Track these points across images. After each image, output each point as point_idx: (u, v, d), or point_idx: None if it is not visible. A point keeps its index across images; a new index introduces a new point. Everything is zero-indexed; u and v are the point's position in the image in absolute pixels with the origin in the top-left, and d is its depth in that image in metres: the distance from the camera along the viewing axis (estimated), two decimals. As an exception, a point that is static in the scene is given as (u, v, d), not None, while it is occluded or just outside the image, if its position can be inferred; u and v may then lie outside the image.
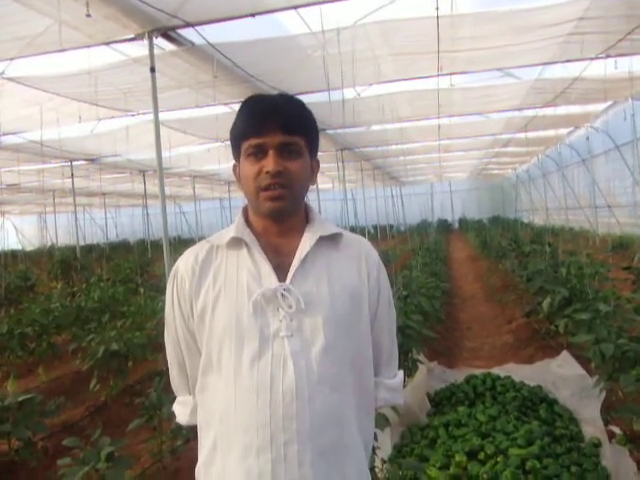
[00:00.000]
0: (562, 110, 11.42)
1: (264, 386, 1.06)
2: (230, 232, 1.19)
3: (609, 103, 11.51)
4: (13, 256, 19.66)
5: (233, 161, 1.23)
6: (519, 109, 11.17)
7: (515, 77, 9.65)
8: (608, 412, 3.51)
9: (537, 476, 2.63)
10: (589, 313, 3.59)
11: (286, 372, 1.07)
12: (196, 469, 1.20)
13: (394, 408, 2.76)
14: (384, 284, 1.26)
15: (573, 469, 2.85)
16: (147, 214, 20.22)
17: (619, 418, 3.36)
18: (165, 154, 10.03)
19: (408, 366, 3.94)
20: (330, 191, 24.82)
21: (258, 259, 1.15)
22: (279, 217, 1.17)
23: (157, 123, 5.55)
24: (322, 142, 13.24)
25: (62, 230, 25.41)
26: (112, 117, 9.30)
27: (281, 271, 1.14)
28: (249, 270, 1.14)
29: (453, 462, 2.75)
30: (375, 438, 2.54)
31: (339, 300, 1.15)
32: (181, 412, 1.27)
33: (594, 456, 3.14)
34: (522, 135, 13.84)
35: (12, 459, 3.42)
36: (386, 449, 3.18)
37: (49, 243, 27.20)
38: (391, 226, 23.85)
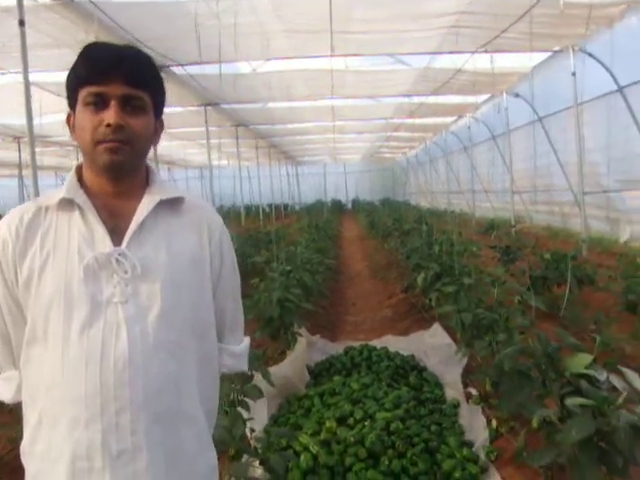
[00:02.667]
0: (447, 99, 12.11)
1: (94, 354, 1.01)
2: (60, 192, 1.10)
3: (487, 96, 12.40)
4: None
5: None
6: (408, 95, 11.66)
7: (406, 64, 10.06)
8: (467, 376, 3.85)
9: (400, 436, 2.83)
10: (455, 286, 3.90)
11: (119, 339, 1.02)
12: (20, 448, 1.12)
13: (267, 378, 2.81)
14: (227, 250, 1.25)
15: (433, 428, 3.10)
16: (23, 185, 18.56)
17: (476, 380, 3.70)
18: (41, 120, 9.22)
19: (288, 339, 4.02)
20: (225, 168, 24.36)
21: (91, 222, 1.08)
22: (116, 174, 1.11)
23: (27, 84, 5.03)
24: (217, 117, 12.97)
25: None
26: (-23, 74, 8.36)
27: (117, 235, 1.08)
28: (81, 233, 1.08)
29: (324, 428, 2.87)
30: (246, 409, 2.59)
31: (179, 266, 1.12)
32: (5, 388, 1.17)
33: (453, 415, 3.45)
34: (411, 121, 14.50)
35: None
36: (262, 420, 3.23)
37: None
38: (286, 205, 24.00)
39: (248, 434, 2.50)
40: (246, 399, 2.65)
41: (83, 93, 1.07)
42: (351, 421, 2.96)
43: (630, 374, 1.97)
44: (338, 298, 7.27)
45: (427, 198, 22.96)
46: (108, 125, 1.05)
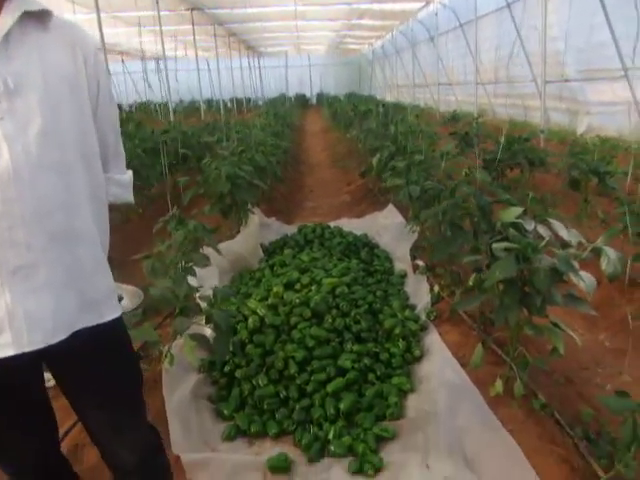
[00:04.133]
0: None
1: None
2: None
3: (456, -23, 11.74)
4: None
5: None
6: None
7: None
8: (416, 250, 3.98)
9: (345, 299, 2.94)
10: (406, 161, 3.91)
11: (0, 156, 0.99)
12: None
13: (214, 247, 2.84)
14: (103, 74, 1.22)
15: (378, 293, 3.25)
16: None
17: (423, 253, 3.84)
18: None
19: (240, 217, 4.02)
20: (182, 59, 23.04)
21: None
22: None
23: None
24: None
25: None
26: None
27: None
28: None
29: (271, 293, 2.96)
30: (193, 274, 2.62)
31: (54, 82, 1.08)
32: None
33: (400, 285, 3.61)
34: (376, 5, 13.75)
35: None
36: (214, 289, 3.31)
37: None
38: (249, 99, 23.14)
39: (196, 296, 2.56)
40: (195, 268, 2.68)
41: None
42: (298, 286, 3.05)
43: (557, 224, 2.05)
44: (297, 186, 7.26)
45: (393, 92, 22.42)
46: None
